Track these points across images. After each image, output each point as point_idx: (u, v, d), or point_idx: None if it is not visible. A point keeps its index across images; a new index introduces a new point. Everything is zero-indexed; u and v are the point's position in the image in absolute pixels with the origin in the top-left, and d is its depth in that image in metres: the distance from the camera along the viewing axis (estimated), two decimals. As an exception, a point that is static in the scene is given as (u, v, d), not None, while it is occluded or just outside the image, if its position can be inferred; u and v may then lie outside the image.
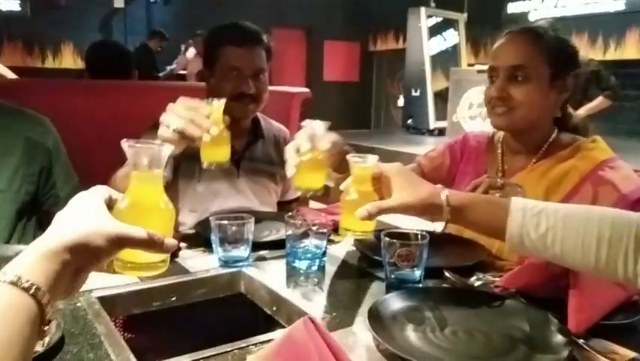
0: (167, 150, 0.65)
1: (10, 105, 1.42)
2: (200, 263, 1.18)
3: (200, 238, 1.32)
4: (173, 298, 1.07)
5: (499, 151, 1.42)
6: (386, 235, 1.05)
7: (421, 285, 1.06)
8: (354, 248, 1.28)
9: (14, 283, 0.50)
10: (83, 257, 0.56)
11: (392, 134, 8.11)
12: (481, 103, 5.01)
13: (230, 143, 1.15)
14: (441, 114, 7.58)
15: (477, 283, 1.09)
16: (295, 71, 9.29)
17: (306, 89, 2.94)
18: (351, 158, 1.00)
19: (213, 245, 1.19)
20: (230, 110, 1.61)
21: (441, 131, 7.31)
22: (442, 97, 7.76)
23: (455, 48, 8.39)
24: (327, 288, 1.08)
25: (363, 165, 0.97)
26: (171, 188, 1.49)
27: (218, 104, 1.13)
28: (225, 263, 1.17)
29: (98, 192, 0.63)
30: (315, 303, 0.99)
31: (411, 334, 0.86)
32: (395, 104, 9.56)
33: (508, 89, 1.28)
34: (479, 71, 5.74)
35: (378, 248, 1.09)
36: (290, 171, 1.11)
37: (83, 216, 0.58)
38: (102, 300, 0.99)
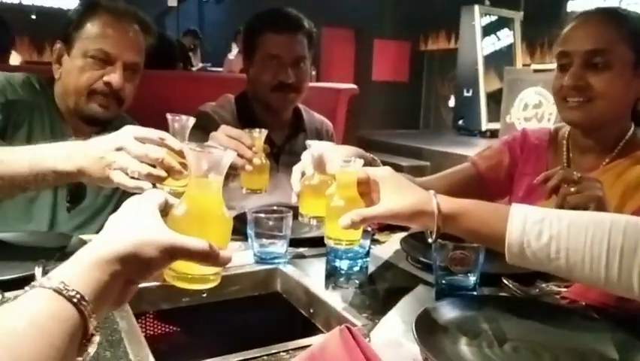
0: (230, 157, 0.61)
1: (126, 115, 1.47)
2: (235, 258, 1.08)
3: (236, 233, 1.25)
4: (204, 295, 1.00)
5: (564, 149, 1.28)
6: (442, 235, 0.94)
7: (475, 293, 0.94)
8: (400, 249, 1.18)
9: (58, 291, 0.46)
10: (134, 268, 0.52)
11: (442, 135, 7.89)
12: (537, 104, 4.76)
13: (269, 171, 1.15)
14: (493, 116, 7.33)
15: (539, 293, 0.97)
16: (344, 70, 9.21)
17: (353, 85, 2.85)
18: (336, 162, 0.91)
19: (249, 240, 1.11)
20: (269, 100, 1.56)
21: (493, 133, 7.06)
22: (494, 98, 7.51)
23: (510, 48, 8.10)
24: (370, 291, 0.98)
25: (347, 169, 0.87)
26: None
27: (260, 135, 1.13)
28: (261, 259, 1.09)
29: (153, 198, 0.59)
30: (355, 307, 0.90)
31: (464, 348, 0.75)
32: (445, 104, 9.32)
33: (585, 77, 1.14)
34: (536, 71, 5.48)
35: (428, 250, 0.99)
36: (293, 197, 1.03)
37: (135, 223, 0.54)
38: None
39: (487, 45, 7.93)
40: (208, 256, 0.55)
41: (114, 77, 1.30)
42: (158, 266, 0.54)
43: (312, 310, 0.95)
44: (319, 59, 8.46)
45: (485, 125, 7.48)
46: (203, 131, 1.13)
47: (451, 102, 8.70)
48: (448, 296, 0.92)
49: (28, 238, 1.11)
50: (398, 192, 0.82)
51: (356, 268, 1.05)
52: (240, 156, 1.06)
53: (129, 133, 0.87)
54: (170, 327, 1.06)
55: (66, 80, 1.32)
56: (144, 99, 1.96)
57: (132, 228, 0.53)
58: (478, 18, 7.64)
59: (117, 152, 0.85)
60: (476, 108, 7.59)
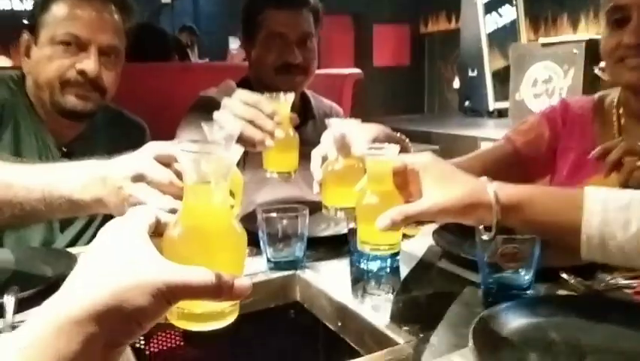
0: (237, 156, 0.48)
1: (112, 107, 1.35)
2: (247, 266, 0.97)
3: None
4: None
5: (614, 118, 1.13)
6: (484, 226, 0.80)
7: (530, 291, 0.80)
8: (434, 244, 1.03)
9: None
10: (117, 326, 0.38)
11: (448, 118, 7.71)
12: (547, 79, 4.58)
13: (298, 147, 0.93)
14: (500, 95, 7.14)
15: (604, 288, 0.83)
16: (344, 58, 9.02)
17: (358, 70, 2.72)
18: (366, 150, 0.75)
19: (261, 244, 0.97)
20: (274, 84, 1.41)
21: (501, 113, 6.89)
22: (500, 77, 7.33)
23: (513, 24, 7.89)
24: (407, 298, 0.84)
25: (380, 157, 0.72)
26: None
27: (285, 100, 0.91)
28: (276, 266, 0.95)
29: (139, 218, 0.44)
30: (392, 319, 0.76)
31: (537, 367, 0.61)
32: (450, 86, 9.13)
33: None
34: (544, 45, 5.29)
35: (468, 244, 0.85)
36: (315, 187, 0.87)
37: (116, 260, 0.40)
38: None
39: (490, 23, 7.74)
40: (219, 291, 0.41)
41: (88, 63, 1.14)
42: (151, 317, 0.39)
43: (340, 324, 0.81)
44: (318, 49, 8.30)
45: (492, 105, 7.30)
46: (207, 115, 0.97)
47: (456, 84, 8.51)
48: (498, 298, 0.78)
49: (7, 256, 0.97)
50: (444, 183, 0.68)
51: (386, 271, 0.91)
52: (259, 128, 0.85)
53: (148, 153, 0.67)
54: (176, 343, 0.93)
55: (35, 72, 1.17)
56: (141, 93, 1.85)
57: (113, 267, 0.39)
58: (479, -5, 7.44)
59: (135, 182, 0.66)
60: (482, 88, 7.41)
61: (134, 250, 0.41)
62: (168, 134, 1.32)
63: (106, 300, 0.37)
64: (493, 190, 0.67)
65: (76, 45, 1.14)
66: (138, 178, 0.66)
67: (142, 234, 0.42)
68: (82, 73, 1.14)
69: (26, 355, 0.35)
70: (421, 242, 1.05)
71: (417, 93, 9.84)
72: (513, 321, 0.68)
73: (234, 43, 7.08)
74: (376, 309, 0.79)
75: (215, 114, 0.89)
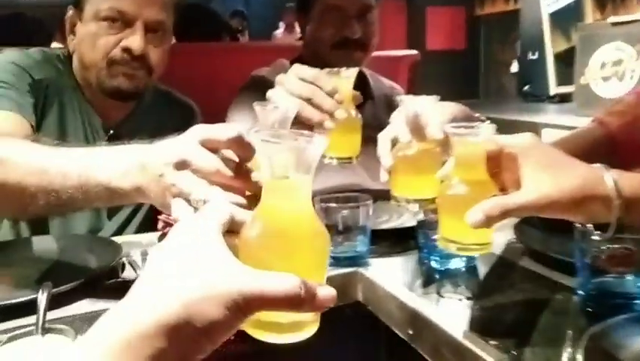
0: (321, 145, 0.41)
1: (162, 88, 1.31)
2: None
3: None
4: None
5: None
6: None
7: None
8: (514, 239, 0.91)
9: None
10: (188, 341, 0.35)
11: (506, 103, 7.37)
12: (617, 61, 4.28)
13: (361, 129, 0.82)
14: (562, 79, 6.76)
15: None
16: (396, 43, 8.78)
17: (414, 52, 2.58)
18: (452, 129, 0.63)
19: (318, 236, 0.87)
20: (330, 61, 1.30)
21: (563, 98, 6.52)
22: (562, 59, 6.93)
23: (577, 4, 7.45)
24: (488, 303, 0.72)
25: (472, 139, 0.61)
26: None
27: (347, 75, 0.80)
28: (335, 261, 0.85)
29: (213, 217, 0.41)
30: (474, 328, 0.64)
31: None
32: (507, 70, 8.73)
33: None
34: (614, 24, 4.93)
35: (559, 242, 0.73)
36: (383, 175, 0.76)
37: (187, 266, 0.36)
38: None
39: (551, 3, 7.35)
40: (301, 301, 0.36)
41: (134, 40, 1.07)
42: (224, 331, 0.36)
43: (411, 332, 0.71)
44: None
45: (554, 89, 6.92)
46: (260, 95, 0.88)
47: (514, 67, 8.14)
48: (600, 306, 0.66)
49: (50, 244, 0.92)
50: (551, 170, 0.57)
51: (462, 270, 0.79)
52: (317, 107, 0.76)
53: (194, 137, 0.59)
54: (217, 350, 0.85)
55: (80, 50, 1.11)
56: (191, 74, 1.79)
57: (181, 276, 0.36)
58: (541, -27, 7.05)
59: (178, 169, 0.57)
60: (543, 72, 7.04)
61: (206, 254, 0.37)
62: (220, 116, 1.24)
63: (176, 313, 0.34)
64: (613, 180, 0.54)
65: (121, 21, 1.07)
66: (181, 165, 0.57)
67: (215, 235, 0.39)
68: (127, 50, 1.07)
69: None
70: (498, 237, 0.93)
71: (472, 78, 9.49)
72: (631, 340, 0.56)
73: (281, 27, 7.03)
74: (454, 316, 0.68)
75: (269, 92, 0.80)
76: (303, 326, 0.41)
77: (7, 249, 0.91)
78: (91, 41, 1.08)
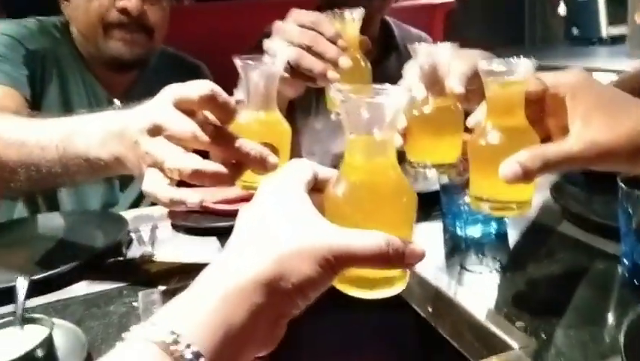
0: (403, 98, 0.39)
1: (170, 51, 1.25)
2: None
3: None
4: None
5: None
6: (626, 179, 0.58)
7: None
8: (550, 200, 0.81)
9: (165, 348, 0.31)
10: (284, 296, 0.35)
11: (554, 48, 6.97)
12: (678, -6, 3.94)
13: (371, 80, 0.73)
14: (615, 19, 6.32)
15: None
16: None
17: (449, -2, 2.42)
18: (485, 66, 0.52)
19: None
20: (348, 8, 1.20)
21: (615, 40, 6.11)
22: (614, -2, 6.48)
23: None
24: (517, 276, 0.64)
25: (508, 77, 0.51)
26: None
27: (352, 18, 0.71)
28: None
29: (297, 174, 0.41)
30: (500, 311, 0.57)
31: None
32: (553, 12, 8.23)
33: None
34: (673, -46, 4.52)
35: (604, 203, 0.63)
36: (397, 138, 0.64)
37: (278, 224, 0.37)
38: (171, 297, 0.66)
39: (602, -64, 6.82)
40: (390, 258, 0.37)
41: (129, 0, 1.00)
42: (316, 287, 0.36)
43: (431, 310, 0.64)
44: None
45: (606, 30, 6.49)
46: None
47: (561, 9, 7.67)
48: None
49: (56, 222, 0.89)
50: (603, 114, 0.48)
51: (491, 238, 0.71)
52: (319, 56, 0.68)
53: (167, 98, 0.53)
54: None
55: (76, 15, 1.05)
56: (206, 35, 1.72)
57: (272, 233, 0.37)
58: None
59: (152, 135, 0.52)
60: (593, 12, 6.58)
61: (295, 212, 0.37)
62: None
63: (271, 269, 0.35)
64: None
65: None
66: (155, 131, 0.51)
67: (302, 193, 0.39)
68: (124, 11, 1.00)
69: (193, 321, 0.33)
70: (535, 198, 0.84)
71: (516, 22, 9.04)
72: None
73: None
74: (480, 294, 0.60)
75: (266, 43, 0.73)
76: (393, 282, 0.40)
77: (5, 229, 0.88)
78: (84, 5, 1.01)
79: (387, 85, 0.40)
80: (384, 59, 1.30)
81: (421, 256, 0.38)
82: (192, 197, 0.51)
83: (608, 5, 6.73)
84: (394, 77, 1.22)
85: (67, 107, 1.06)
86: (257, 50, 1.18)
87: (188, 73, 1.22)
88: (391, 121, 0.39)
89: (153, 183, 0.51)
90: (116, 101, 1.11)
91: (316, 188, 0.41)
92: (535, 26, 9.69)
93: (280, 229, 0.37)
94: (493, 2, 9.45)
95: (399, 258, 0.37)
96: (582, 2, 6.82)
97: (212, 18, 1.77)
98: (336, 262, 0.36)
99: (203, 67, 1.27)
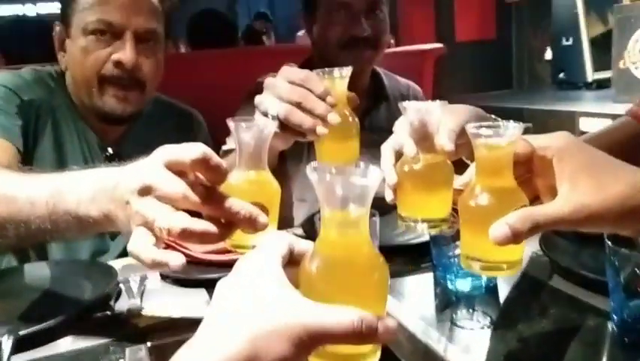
0: (378, 177, 0.40)
1: (163, 99, 1.26)
2: None
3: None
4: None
5: None
6: (612, 236, 0.58)
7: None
8: (539, 252, 0.82)
9: None
10: None
11: (541, 92, 7.11)
12: (660, 42, 4.02)
13: (359, 134, 0.75)
14: (600, 64, 6.50)
15: None
16: (424, 34, 8.61)
17: (439, 45, 2.50)
18: (474, 129, 0.53)
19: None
20: (340, 61, 1.23)
21: (601, 84, 6.26)
22: (599, 44, 6.67)
23: (613, -16, 7.18)
24: (509, 332, 0.64)
25: (496, 139, 0.52)
26: (279, 172, 1.15)
27: (340, 76, 0.73)
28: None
29: (274, 249, 0.42)
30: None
31: None
32: (540, 58, 8.46)
33: None
34: (653, 4, 4.68)
35: (592, 257, 0.64)
36: (388, 193, 0.67)
37: (251, 302, 0.38)
38: (158, 353, 0.66)
39: (585, -15, 7.08)
40: (363, 335, 0.38)
41: (124, 53, 1.01)
42: None
43: (420, 367, 0.63)
44: (396, 27, 8.03)
45: (591, 75, 6.66)
46: None
47: (548, 55, 7.88)
48: (638, 334, 0.57)
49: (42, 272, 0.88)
50: (591, 176, 0.49)
51: (481, 291, 0.71)
52: (308, 112, 0.70)
53: (159, 159, 0.53)
54: None
55: (72, 67, 1.06)
56: (201, 82, 1.75)
57: (246, 311, 0.38)
58: (573, -45, 6.80)
59: (142, 195, 0.52)
60: (579, 58, 6.76)
61: (269, 290, 0.39)
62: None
63: (245, 349, 0.36)
64: None
65: (110, 33, 1.02)
66: (145, 191, 0.52)
67: (277, 268, 0.41)
68: (118, 64, 1.02)
69: None
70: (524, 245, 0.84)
71: (504, 67, 9.23)
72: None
73: (302, 30, 6.98)
74: (469, 350, 0.60)
75: (257, 98, 0.74)
76: (365, 357, 0.41)
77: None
78: (81, 57, 1.03)
79: (362, 164, 0.41)
80: (374, 108, 1.33)
81: (393, 332, 0.39)
82: (175, 259, 0.51)
83: (593, 51, 6.93)
84: (384, 126, 1.25)
85: (60, 156, 1.06)
86: (250, 99, 1.20)
87: (181, 121, 1.24)
88: (364, 199, 0.40)
89: (138, 244, 0.51)
90: (110, 150, 1.11)
91: (293, 261, 0.43)
92: (523, 70, 9.89)
93: (254, 309, 0.37)
94: (481, 48, 9.65)
95: (372, 334, 0.38)
96: (568, 47, 7.01)
97: (208, 65, 1.80)
98: (310, 341, 0.37)
99: (197, 114, 1.29)
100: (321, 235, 0.43)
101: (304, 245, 0.44)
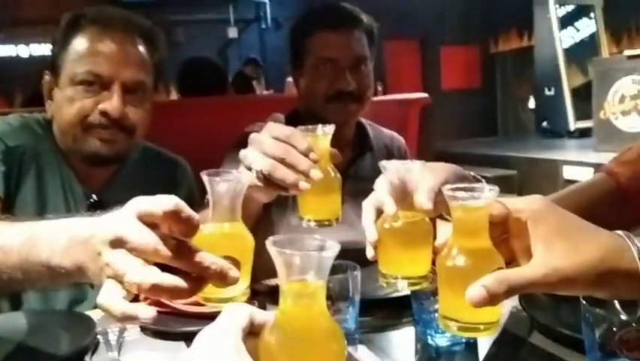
0: (334, 251, 0.42)
1: (149, 146, 1.27)
2: None
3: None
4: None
5: None
6: (588, 296, 0.59)
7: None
8: (519, 309, 0.82)
9: None
10: None
11: (525, 140, 7.30)
12: (636, 94, 4.19)
13: (341, 189, 0.77)
14: (581, 113, 6.70)
15: None
16: (411, 83, 8.86)
17: (424, 95, 2.55)
18: (450, 192, 0.55)
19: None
20: (326, 114, 1.25)
21: (583, 133, 6.42)
22: (580, 94, 6.90)
23: (592, 38, 7.45)
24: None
25: (472, 202, 0.53)
26: (265, 220, 1.15)
27: (324, 133, 0.76)
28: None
29: (234, 321, 0.43)
30: None
31: None
32: (524, 107, 8.69)
33: None
34: (630, 57, 4.87)
35: (570, 315, 0.64)
36: (369, 250, 0.68)
37: None
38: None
39: (566, 38, 7.33)
40: None
41: (111, 103, 1.02)
42: None
43: None
44: (384, 75, 8.18)
45: (573, 124, 6.84)
46: None
47: (531, 104, 8.10)
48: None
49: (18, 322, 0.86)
50: (564, 240, 0.50)
51: (461, 347, 0.71)
52: (291, 167, 0.71)
53: (131, 211, 0.54)
54: None
55: (58, 116, 1.07)
56: (188, 130, 1.76)
57: None
58: (554, 9, 7.06)
59: (114, 247, 0.52)
60: (561, 107, 6.98)
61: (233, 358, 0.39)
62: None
63: None
64: (638, 249, 0.47)
65: (98, 84, 1.03)
66: (117, 243, 0.52)
67: (237, 340, 0.41)
68: (104, 114, 1.03)
69: None
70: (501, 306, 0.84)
71: (490, 115, 9.45)
72: None
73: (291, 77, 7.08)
74: (448, 410, 0.59)
75: (242, 152, 0.76)
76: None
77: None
78: (67, 106, 1.04)
79: (318, 237, 0.43)
80: (359, 157, 1.35)
81: None
82: (145, 312, 0.50)
83: (574, 101, 7.14)
84: (368, 176, 1.26)
85: (42, 202, 1.06)
86: (236, 149, 1.22)
87: (166, 169, 1.25)
88: (323, 270, 0.42)
89: (107, 297, 0.50)
90: (94, 197, 1.11)
91: (253, 332, 0.43)
92: (508, 118, 10.09)
93: None
94: (466, 97, 9.86)
95: None
96: (550, 97, 7.23)
97: (197, 113, 1.82)
98: None
99: (182, 162, 1.30)
100: (280, 306, 0.43)
101: (264, 316, 0.45)
